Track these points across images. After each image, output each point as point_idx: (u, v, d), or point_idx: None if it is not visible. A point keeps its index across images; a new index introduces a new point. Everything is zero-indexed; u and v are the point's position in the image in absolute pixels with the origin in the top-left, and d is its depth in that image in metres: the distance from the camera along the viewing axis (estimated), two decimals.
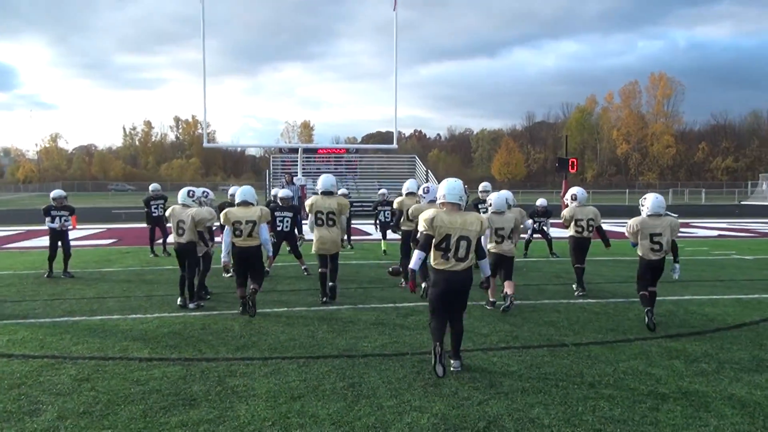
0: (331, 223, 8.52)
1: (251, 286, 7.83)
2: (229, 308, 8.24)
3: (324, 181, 8.71)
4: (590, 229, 9.38)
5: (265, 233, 7.99)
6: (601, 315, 7.87)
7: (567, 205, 9.69)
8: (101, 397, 4.81)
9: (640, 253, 7.51)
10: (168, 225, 9.23)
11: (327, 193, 8.60)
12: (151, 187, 14.71)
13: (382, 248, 14.44)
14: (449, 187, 5.53)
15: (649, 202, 7.42)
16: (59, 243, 11.28)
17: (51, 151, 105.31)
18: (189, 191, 8.49)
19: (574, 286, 9.52)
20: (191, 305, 8.21)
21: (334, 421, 4.32)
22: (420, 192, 8.85)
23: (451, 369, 5.49)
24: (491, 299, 8.35)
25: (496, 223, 8.33)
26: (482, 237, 5.64)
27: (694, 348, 6.25)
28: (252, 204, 7.98)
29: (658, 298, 7.76)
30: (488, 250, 8.20)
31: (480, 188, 11.56)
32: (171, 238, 8.43)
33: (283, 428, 4.20)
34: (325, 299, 8.58)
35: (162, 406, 4.61)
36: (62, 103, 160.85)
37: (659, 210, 7.38)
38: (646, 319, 7.15)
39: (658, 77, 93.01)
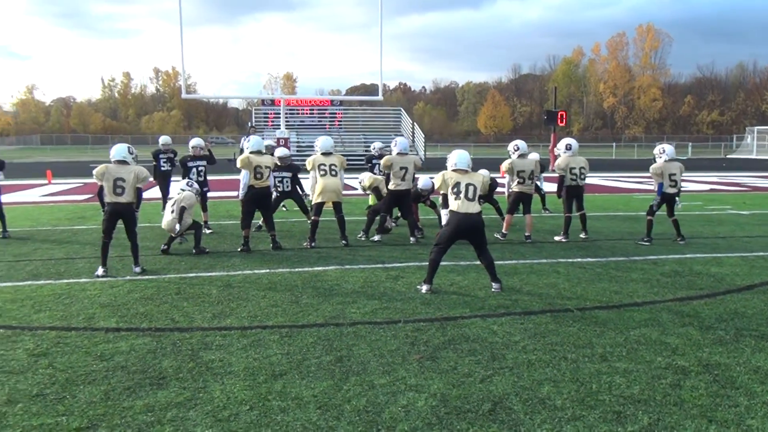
0: (334, 173, 9.33)
1: (270, 233, 9.21)
2: (208, 269, 7.70)
3: (324, 142, 9.54)
4: (583, 177, 9.74)
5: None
6: (602, 275, 7.41)
7: (557, 157, 10.00)
8: (59, 376, 4.27)
9: (664, 190, 9.42)
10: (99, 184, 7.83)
11: (326, 154, 9.42)
12: (161, 140, 12.76)
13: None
14: (460, 157, 6.66)
15: (669, 149, 9.52)
16: None
17: (27, 104, 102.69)
18: (129, 147, 7.74)
19: (556, 237, 9.92)
20: (137, 269, 7.62)
21: (320, 403, 3.82)
22: (392, 145, 9.76)
23: (492, 290, 6.56)
24: (504, 231, 9.92)
25: (518, 166, 9.58)
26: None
27: (707, 312, 5.82)
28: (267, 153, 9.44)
29: (660, 256, 8.65)
30: (513, 190, 9.81)
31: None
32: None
33: (263, 413, 3.70)
34: (313, 245, 9.26)
35: (126, 387, 4.08)
36: (37, 53, 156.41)
37: (674, 155, 9.54)
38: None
39: (645, 29, 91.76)
